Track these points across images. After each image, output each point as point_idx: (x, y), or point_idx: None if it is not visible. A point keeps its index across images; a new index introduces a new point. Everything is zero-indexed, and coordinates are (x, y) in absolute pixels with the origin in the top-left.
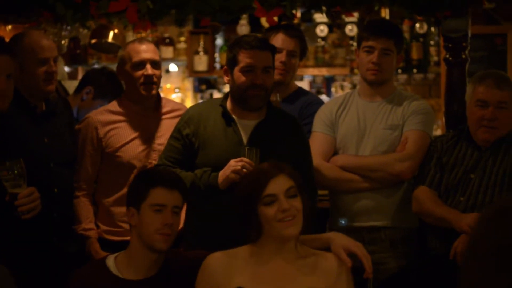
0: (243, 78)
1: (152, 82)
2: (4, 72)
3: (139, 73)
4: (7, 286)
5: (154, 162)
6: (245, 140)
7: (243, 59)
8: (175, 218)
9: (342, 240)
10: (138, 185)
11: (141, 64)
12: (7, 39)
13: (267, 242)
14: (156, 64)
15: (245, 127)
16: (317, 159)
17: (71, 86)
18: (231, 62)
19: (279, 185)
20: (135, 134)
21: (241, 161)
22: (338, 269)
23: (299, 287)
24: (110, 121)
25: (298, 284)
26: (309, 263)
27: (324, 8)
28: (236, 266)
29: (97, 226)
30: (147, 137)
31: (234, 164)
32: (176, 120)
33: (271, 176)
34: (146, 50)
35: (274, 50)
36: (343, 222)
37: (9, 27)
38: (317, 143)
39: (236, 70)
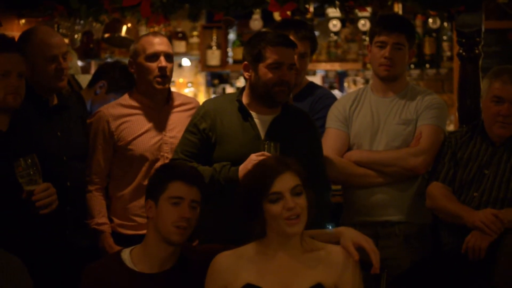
0: (270, 75)
1: (166, 75)
2: (15, 69)
3: (153, 65)
4: (21, 278)
5: (166, 155)
6: (262, 134)
7: (271, 55)
8: (193, 212)
9: (352, 234)
10: (157, 178)
11: (155, 56)
12: (20, 33)
13: (272, 238)
14: (169, 57)
15: (261, 122)
16: (331, 155)
17: (84, 80)
18: (255, 58)
19: (285, 183)
20: (146, 127)
21: (263, 155)
22: (345, 262)
23: (306, 281)
24: (121, 115)
25: (305, 278)
26: (316, 257)
27: (337, 2)
28: (243, 264)
29: (111, 220)
30: (159, 130)
31: (255, 158)
32: (187, 114)
33: (278, 174)
34: (160, 43)
35: (295, 47)
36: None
37: (23, 21)
38: (331, 139)
39: (262, 66)
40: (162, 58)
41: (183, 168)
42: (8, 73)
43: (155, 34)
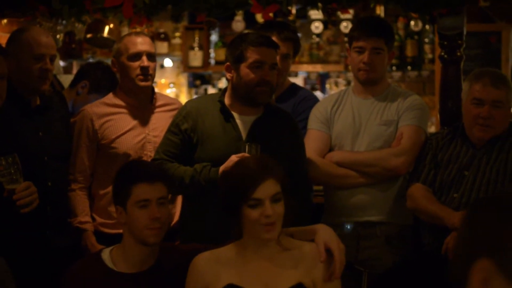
0: (252, 75)
1: (148, 74)
2: None
3: (136, 64)
4: (6, 278)
5: (149, 154)
6: (244, 135)
7: (252, 55)
8: (162, 209)
9: (326, 234)
10: (119, 183)
11: (138, 55)
12: (2, 33)
13: (248, 240)
14: (152, 57)
15: (243, 123)
16: (312, 156)
17: (66, 80)
18: (237, 59)
19: (266, 190)
20: (130, 126)
21: (242, 156)
22: (314, 261)
23: (286, 281)
24: (105, 113)
25: (285, 278)
26: (293, 256)
27: (320, 4)
28: (223, 264)
29: (93, 219)
30: (142, 129)
31: (235, 159)
32: (169, 114)
33: (261, 180)
34: (142, 42)
35: (277, 48)
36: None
37: (5, 21)
38: (313, 140)
39: (244, 66)
40: (144, 58)
41: (142, 168)
42: None
43: (137, 34)
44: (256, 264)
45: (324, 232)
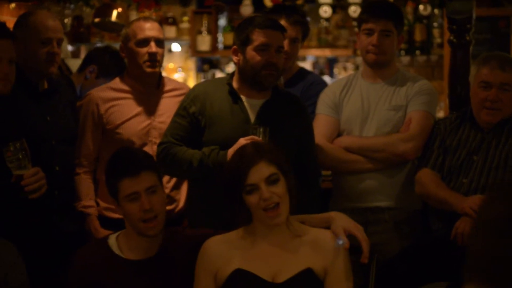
0: (258, 58)
1: (156, 60)
2: (6, 56)
3: (143, 50)
4: (17, 262)
5: (154, 140)
6: (252, 118)
7: (258, 37)
8: (154, 198)
9: (343, 221)
10: (107, 180)
11: (146, 41)
12: (10, 17)
13: (257, 225)
14: (160, 42)
15: (251, 106)
16: (321, 141)
17: (74, 64)
18: (243, 42)
19: (258, 173)
20: (136, 111)
21: (252, 139)
22: (335, 248)
23: (295, 266)
24: (111, 98)
25: (294, 263)
26: (305, 242)
27: None
28: (233, 249)
29: (98, 204)
30: (148, 115)
31: (243, 142)
32: (178, 99)
33: (251, 165)
34: (151, 28)
35: (284, 31)
36: (340, 242)
37: (12, 5)
38: (321, 125)
39: (250, 49)
40: (152, 44)
41: (125, 161)
42: None
43: (146, 19)
44: (266, 249)
45: (340, 219)
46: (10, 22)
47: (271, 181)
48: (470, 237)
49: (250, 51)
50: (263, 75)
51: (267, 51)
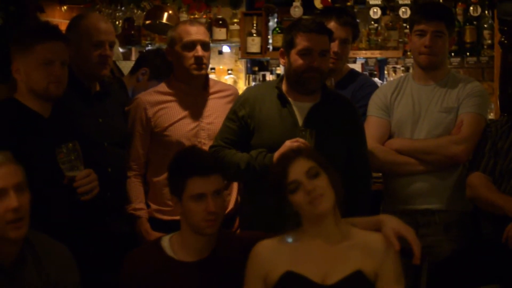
0: (300, 61)
1: (202, 63)
2: (59, 58)
3: (190, 54)
4: (69, 266)
5: (203, 141)
6: (300, 122)
7: (301, 42)
8: (218, 201)
9: (394, 223)
10: (174, 175)
11: (192, 45)
12: (62, 20)
13: (307, 226)
14: (206, 46)
15: (300, 109)
16: (372, 143)
17: (125, 66)
18: (288, 45)
19: (298, 168)
20: (183, 114)
21: (297, 141)
22: (386, 250)
23: (345, 268)
24: (158, 101)
25: (344, 265)
26: (355, 244)
27: None
28: (283, 252)
29: (148, 206)
30: (196, 117)
31: (289, 144)
32: (224, 100)
33: (289, 163)
34: (197, 32)
35: (331, 34)
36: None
37: (65, 7)
38: (372, 127)
39: (293, 52)
40: (198, 47)
41: (196, 160)
42: (51, 62)
43: (192, 22)
44: (316, 250)
45: (391, 222)
46: (63, 25)
47: (311, 174)
48: None
49: (293, 55)
50: (305, 79)
51: (309, 55)
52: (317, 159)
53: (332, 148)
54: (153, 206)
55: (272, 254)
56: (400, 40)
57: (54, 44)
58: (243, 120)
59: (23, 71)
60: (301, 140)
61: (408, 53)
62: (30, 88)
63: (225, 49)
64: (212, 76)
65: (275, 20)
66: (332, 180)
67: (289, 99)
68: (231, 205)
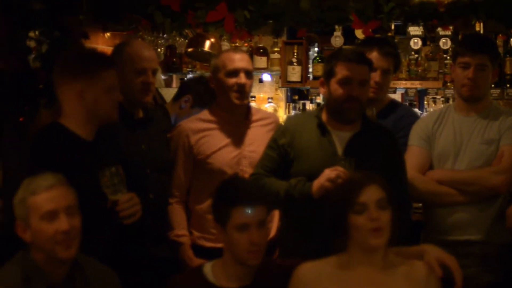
0: (340, 91)
1: (244, 91)
2: (117, 85)
3: (233, 81)
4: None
5: (245, 169)
6: (340, 151)
7: (341, 71)
8: (262, 231)
9: (436, 252)
10: (219, 204)
11: (235, 72)
12: (105, 46)
13: (354, 252)
14: (249, 74)
15: (340, 139)
16: (413, 173)
17: (167, 93)
18: (328, 74)
19: (370, 194)
20: (225, 141)
21: (336, 170)
22: (428, 278)
23: None
24: (201, 129)
25: None
26: (399, 272)
27: (421, 21)
28: (325, 276)
29: (191, 233)
30: (237, 145)
31: (328, 173)
32: (265, 129)
33: (364, 185)
34: (240, 59)
35: (371, 64)
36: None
37: (108, 34)
38: (413, 156)
39: (333, 82)
40: (242, 75)
41: (242, 189)
42: (115, 88)
43: (235, 50)
44: (359, 277)
45: (433, 250)
46: (105, 51)
47: (380, 205)
48: None
49: (333, 84)
50: (345, 108)
51: (349, 84)
52: (388, 192)
53: None
54: (196, 234)
55: (315, 277)
56: (440, 70)
57: (114, 71)
58: (283, 149)
59: (90, 96)
60: (339, 168)
61: (448, 84)
62: (93, 112)
63: (266, 77)
64: (252, 104)
65: (316, 49)
66: (393, 218)
67: (329, 128)
68: (272, 233)
